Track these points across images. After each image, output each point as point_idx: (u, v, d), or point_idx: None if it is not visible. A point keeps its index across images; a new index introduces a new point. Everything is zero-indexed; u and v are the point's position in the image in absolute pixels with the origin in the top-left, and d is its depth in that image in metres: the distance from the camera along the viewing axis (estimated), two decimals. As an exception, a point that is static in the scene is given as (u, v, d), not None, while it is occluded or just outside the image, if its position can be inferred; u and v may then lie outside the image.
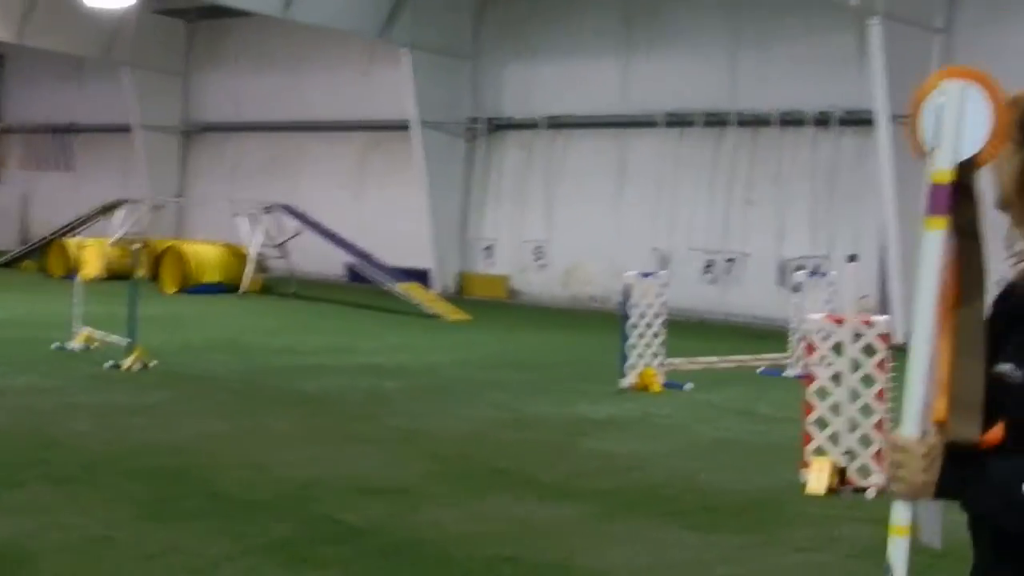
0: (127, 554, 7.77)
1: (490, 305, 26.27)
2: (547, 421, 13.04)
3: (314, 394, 14.29)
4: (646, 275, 16.07)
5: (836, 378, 10.25)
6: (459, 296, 27.41)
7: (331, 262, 29.31)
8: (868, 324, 10.38)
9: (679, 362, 16.62)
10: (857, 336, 10.30)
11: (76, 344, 16.76)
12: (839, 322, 10.48)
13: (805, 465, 10.13)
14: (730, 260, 24.96)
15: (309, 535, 8.34)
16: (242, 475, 10.04)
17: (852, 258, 11.33)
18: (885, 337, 10.24)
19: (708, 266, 25.12)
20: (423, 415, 13.17)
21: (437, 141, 28.86)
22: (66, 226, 32.57)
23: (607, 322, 22.17)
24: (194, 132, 36.78)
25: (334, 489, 9.67)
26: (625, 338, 15.14)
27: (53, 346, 16.83)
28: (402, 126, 29.39)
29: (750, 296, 24.50)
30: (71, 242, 29.71)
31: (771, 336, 20.54)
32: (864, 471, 10.03)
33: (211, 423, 12.25)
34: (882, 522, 8.39)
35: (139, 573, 7.39)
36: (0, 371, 14.90)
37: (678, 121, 25.80)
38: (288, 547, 8.02)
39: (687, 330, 20.49)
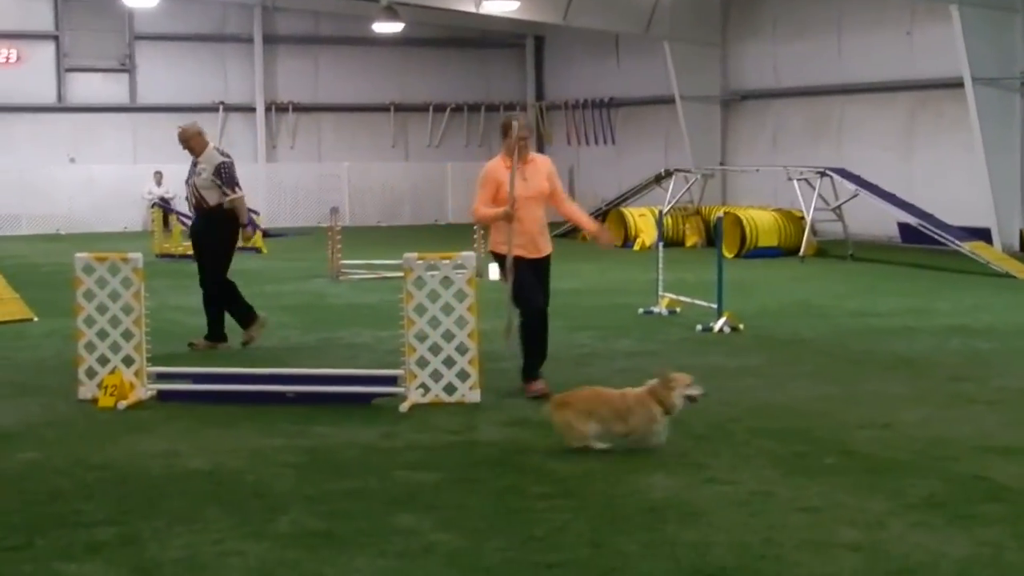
0: (788, 507, 8.04)
1: (1062, 263, 25.20)
2: None
3: (907, 356, 14.18)
4: None
5: None
6: (1024, 254, 26.49)
7: (882, 223, 28.98)
8: None
9: None
10: None
11: (662, 308, 17.38)
12: None
13: None
14: None
15: (961, 493, 8.32)
16: (869, 434, 10.13)
17: None
18: None
19: None
20: (1027, 376, 12.86)
21: (990, 98, 27.86)
22: (620, 196, 33.78)
23: None
24: (733, 101, 37.16)
25: (965, 448, 9.61)
26: None
27: (640, 311, 17.53)
28: (949, 84, 28.61)
29: None
30: (630, 211, 30.77)
31: None
32: None
33: (816, 385, 12.41)
34: None
35: (805, 525, 7.64)
36: (600, 335, 15.71)
37: None
38: (945, 505, 8.04)
39: None
